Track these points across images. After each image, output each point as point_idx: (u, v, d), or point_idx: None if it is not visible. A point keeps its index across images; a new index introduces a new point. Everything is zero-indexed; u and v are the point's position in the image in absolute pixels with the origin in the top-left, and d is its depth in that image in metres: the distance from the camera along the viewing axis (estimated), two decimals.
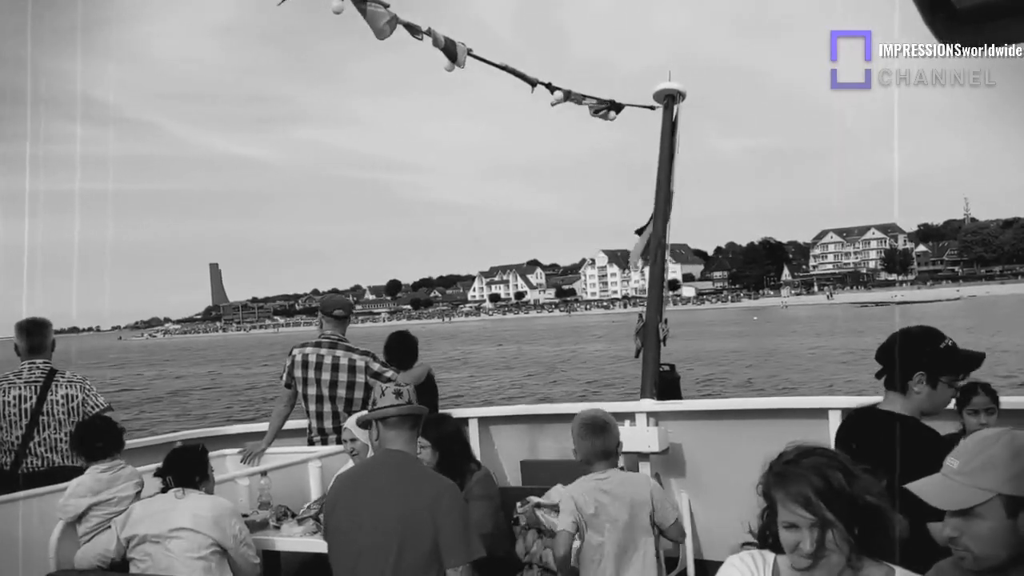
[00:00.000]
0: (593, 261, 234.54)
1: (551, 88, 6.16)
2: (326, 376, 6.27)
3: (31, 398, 5.65)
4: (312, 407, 6.31)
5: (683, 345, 54.82)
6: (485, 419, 6.59)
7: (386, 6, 5.13)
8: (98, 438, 4.79)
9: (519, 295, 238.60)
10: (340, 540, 3.82)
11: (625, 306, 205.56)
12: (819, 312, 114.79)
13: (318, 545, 4.65)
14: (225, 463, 6.12)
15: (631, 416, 5.84)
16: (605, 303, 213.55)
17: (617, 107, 6.67)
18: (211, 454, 4.84)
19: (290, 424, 6.60)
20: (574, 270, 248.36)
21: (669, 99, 6.64)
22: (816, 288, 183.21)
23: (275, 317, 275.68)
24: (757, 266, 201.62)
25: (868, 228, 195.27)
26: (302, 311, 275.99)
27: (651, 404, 5.97)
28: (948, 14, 1.73)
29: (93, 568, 4.34)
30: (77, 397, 5.76)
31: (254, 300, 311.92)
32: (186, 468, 4.47)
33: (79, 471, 4.84)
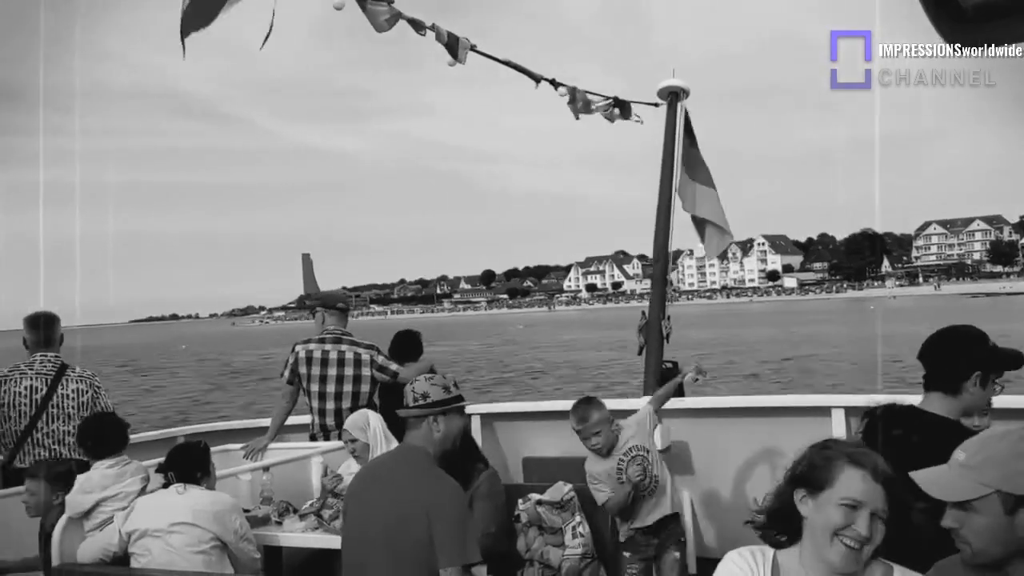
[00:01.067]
0: (691, 252, 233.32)
1: (555, 84, 6.14)
2: (331, 371, 6.30)
3: (42, 389, 5.71)
4: (315, 403, 6.34)
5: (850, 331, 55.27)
6: (488, 415, 6.61)
7: (389, 2, 5.16)
8: (103, 435, 4.83)
9: (616, 285, 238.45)
10: (349, 529, 3.93)
11: (728, 296, 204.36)
12: (930, 303, 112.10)
13: (320, 541, 4.76)
14: (228, 458, 6.11)
15: (633, 413, 5.77)
16: (707, 293, 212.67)
17: (621, 104, 6.62)
18: (214, 449, 4.90)
19: (292, 420, 6.64)
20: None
21: (673, 96, 6.59)
22: (920, 279, 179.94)
23: (371, 305, 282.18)
24: (859, 257, 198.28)
25: (972, 219, 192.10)
26: (398, 299, 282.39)
27: None
28: (953, 14, 1.75)
29: (96, 562, 4.39)
30: (87, 393, 5.83)
31: (343, 289, 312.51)
32: (188, 464, 4.52)
33: (86, 464, 4.88)
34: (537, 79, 6.01)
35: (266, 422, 6.78)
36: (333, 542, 4.26)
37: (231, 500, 4.57)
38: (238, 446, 6.37)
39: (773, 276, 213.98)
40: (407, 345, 6.64)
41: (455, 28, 5.38)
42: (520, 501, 5.06)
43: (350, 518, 3.95)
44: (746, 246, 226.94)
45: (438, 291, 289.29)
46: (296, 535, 4.87)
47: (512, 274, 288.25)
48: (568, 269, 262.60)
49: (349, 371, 6.30)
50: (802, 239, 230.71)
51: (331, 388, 6.30)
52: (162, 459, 4.63)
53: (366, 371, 6.32)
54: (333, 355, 6.34)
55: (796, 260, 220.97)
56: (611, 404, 6.21)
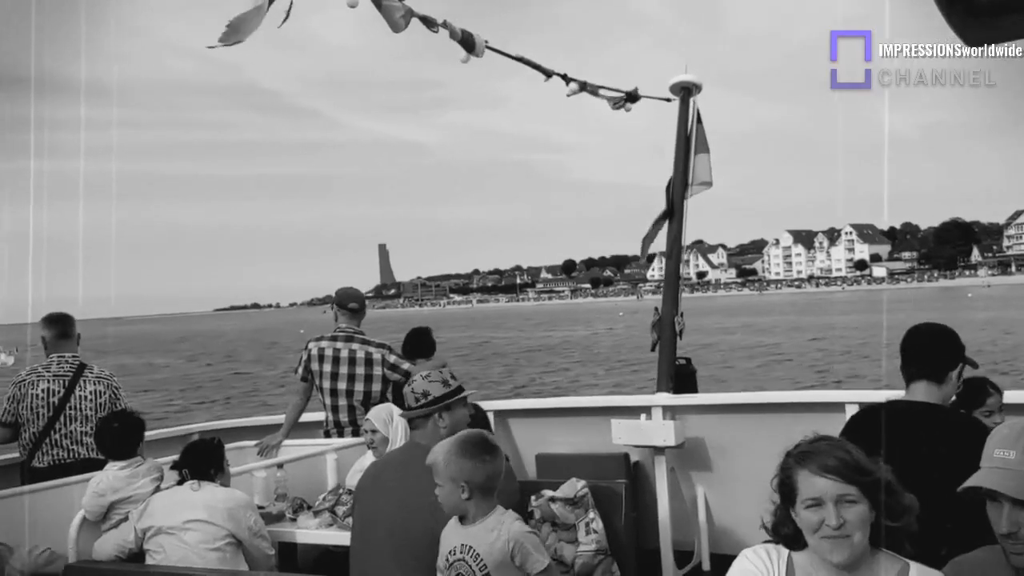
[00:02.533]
0: (777, 241, 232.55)
1: (567, 79, 6.08)
2: (343, 370, 6.34)
3: (59, 392, 5.76)
4: (328, 400, 6.39)
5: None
6: (502, 412, 6.59)
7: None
8: (114, 436, 4.85)
9: (700, 274, 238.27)
10: (357, 524, 4.02)
11: (817, 285, 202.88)
12: None
13: (334, 537, 4.77)
14: (242, 455, 6.16)
15: (647, 410, 5.80)
16: (797, 283, 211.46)
17: (634, 98, 6.52)
18: (228, 446, 4.94)
19: (306, 417, 6.68)
20: (747, 251, 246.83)
21: (685, 92, 6.49)
22: (1013, 268, 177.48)
23: (451, 295, 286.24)
24: (949, 246, 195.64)
25: None
26: (478, 289, 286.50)
27: (667, 398, 5.91)
28: (967, 8, 1.75)
29: (112, 559, 4.44)
30: (105, 394, 5.90)
31: (418, 279, 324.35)
32: (202, 461, 4.56)
33: (101, 463, 4.93)
34: (548, 74, 5.94)
35: (280, 419, 6.80)
36: (347, 539, 4.25)
37: (245, 497, 4.60)
38: (252, 443, 6.41)
39: (861, 265, 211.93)
40: (419, 342, 6.68)
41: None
42: (533, 498, 5.06)
43: (358, 514, 4.04)
44: (833, 235, 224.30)
45: (518, 281, 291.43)
46: (310, 531, 4.89)
47: (591, 263, 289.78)
48: (650, 259, 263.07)
49: (360, 370, 6.34)
50: (884, 228, 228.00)
51: (343, 386, 6.35)
52: (177, 456, 4.68)
53: (377, 370, 6.35)
54: (344, 353, 6.39)
55: (884, 249, 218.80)
56: (626, 401, 6.22)
